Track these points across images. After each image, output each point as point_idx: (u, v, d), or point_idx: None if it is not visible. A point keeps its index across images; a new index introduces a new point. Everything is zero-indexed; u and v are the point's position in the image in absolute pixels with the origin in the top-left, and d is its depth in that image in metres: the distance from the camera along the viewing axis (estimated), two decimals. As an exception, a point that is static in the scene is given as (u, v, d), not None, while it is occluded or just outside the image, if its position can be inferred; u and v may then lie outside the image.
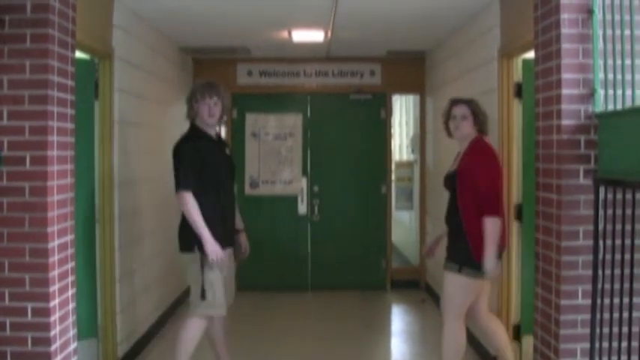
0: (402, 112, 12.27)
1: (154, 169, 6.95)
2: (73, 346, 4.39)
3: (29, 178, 4.00)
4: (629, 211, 3.53)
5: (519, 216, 5.58)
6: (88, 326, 5.41)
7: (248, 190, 8.90)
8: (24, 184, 4.00)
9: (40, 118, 4.00)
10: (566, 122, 4.07)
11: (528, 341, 5.42)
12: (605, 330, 3.80)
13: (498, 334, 5.19)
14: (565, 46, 4.07)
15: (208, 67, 8.99)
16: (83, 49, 5.03)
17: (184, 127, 8.51)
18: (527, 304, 5.41)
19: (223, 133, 10.72)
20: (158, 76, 7.23)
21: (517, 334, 5.63)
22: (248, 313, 7.77)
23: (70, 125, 4.32)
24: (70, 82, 4.31)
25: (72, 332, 4.37)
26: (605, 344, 3.80)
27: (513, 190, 5.59)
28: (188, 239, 5.02)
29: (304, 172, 9.06)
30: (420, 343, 6.96)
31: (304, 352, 6.46)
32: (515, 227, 5.59)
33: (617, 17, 3.85)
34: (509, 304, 5.61)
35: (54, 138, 4.08)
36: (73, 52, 4.38)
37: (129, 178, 6.01)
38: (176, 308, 7.85)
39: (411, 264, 9.64)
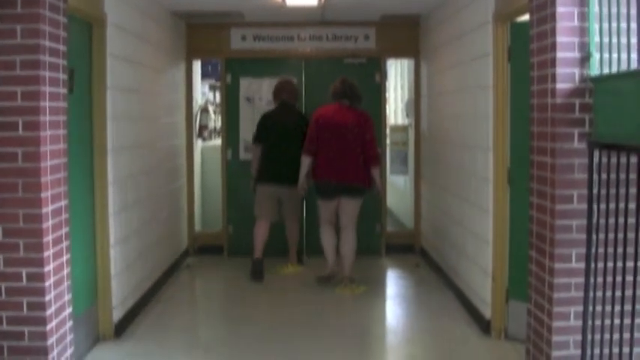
0: (397, 76, 12.22)
1: (147, 135, 6.92)
2: (68, 310, 4.41)
3: (22, 144, 4.00)
4: (623, 175, 3.52)
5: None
6: (89, 295, 5.41)
7: (243, 155, 8.86)
8: (17, 149, 4.00)
9: (32, 83, 3.99)
10: (560, 86, 4.05)
11: (515, 305, 5.47)
12: (599, 294, 3.81)
13: (342, 247, 7.33)
14: (560, 9, 4.03)
15: (201, 32, 8.90)
16: (75, 14, 4.97)
17: (178, 93, 8.52)
18: (515, 268, 5.45)
19: (218, 98, 10.70)
20: (151, 41, 7.15)
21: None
22: (241, 278, 7.81)
23: (62, 90, 4.29)
24: (62, 47, 4.27)
25: (67, 297, 4.39)
26: (599, 308, 3.82)
27: (506, 154, 5.58)
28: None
29: (299, 137, 9.05)
30: (414, 307, 6.99)
31: (298, 316, 6.49)
32: (506, 191, 5.59)
33: (613, -21, 3.82)
34: (502, 267, 5.62)
35: (46, 103, 4.06)
36: (65, 16, 4.33)
37: (122, 144, 5.97)
38: (173, 273, 7.87)
39: (406, 228, 9.65)
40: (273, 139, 7.86)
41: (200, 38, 8.91)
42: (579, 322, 3.98)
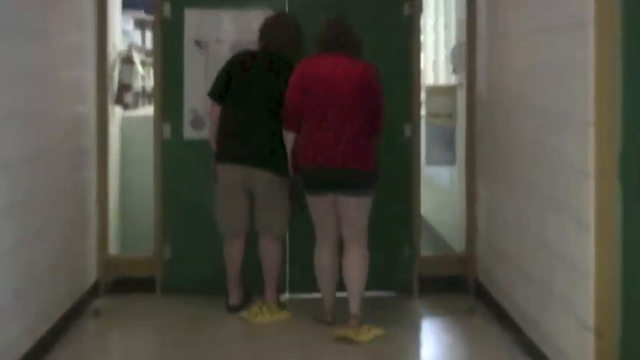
0: (438, 8, 12.24)
1: (32, 99, 6.85)
2: None
3: None
4: None
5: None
6: None
7: (188, 132, 8.81)
8: None
9: None
10: None
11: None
12: None
13: (345, 271, 7.50)
14: None
15: None
16: None
17: (84, 32, 8.37)
18: (632, 318, 5.43)
19: (148, 41, 10.63)
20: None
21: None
22: (184, 331, 7.74)
23: None
24: None
25: None
26: None
27: (616, 134, 5.52)
28: (284, 163, 7.80)
29: (279, 104, 9.02)
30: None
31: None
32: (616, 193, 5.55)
33: None
34: (612, 316, 5.55)
35: None
36: None
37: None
38: (71, 324, 7.75)
39: (453, 251, 9.53)
40: (242, 93, 7.94)
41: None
42: None
